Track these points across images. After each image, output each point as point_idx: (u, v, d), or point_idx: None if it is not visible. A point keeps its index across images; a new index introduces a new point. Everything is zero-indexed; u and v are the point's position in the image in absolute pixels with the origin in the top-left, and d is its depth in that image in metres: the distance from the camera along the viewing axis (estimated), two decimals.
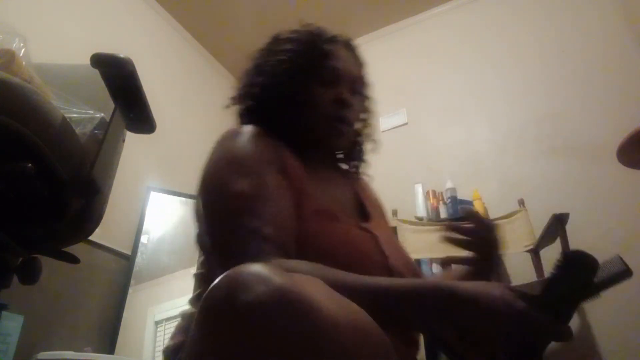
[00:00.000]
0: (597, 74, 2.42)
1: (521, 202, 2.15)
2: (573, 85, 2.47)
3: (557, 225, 1.81)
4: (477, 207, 2.37)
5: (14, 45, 1.09)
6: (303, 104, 0.81)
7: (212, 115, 3.29)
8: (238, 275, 0.37)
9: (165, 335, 2.14)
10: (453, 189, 2.42)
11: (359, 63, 0.90)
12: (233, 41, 3.24)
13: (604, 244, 2.06)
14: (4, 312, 1.23)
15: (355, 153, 0.96)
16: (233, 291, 0.36)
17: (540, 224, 1.93)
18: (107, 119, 1.09)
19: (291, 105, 0.81)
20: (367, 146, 0.97)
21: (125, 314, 2.07)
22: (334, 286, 0.45)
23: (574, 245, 1.76)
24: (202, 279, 0.81)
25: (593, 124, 2.33)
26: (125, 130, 1.19)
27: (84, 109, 1.10)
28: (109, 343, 1.98)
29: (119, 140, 1.17)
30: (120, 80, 1.08)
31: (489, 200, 2.39)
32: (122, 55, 1.05)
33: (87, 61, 1.03)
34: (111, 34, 2.44)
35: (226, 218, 0.64)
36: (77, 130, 1.03)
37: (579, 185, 2.25)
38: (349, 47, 0.89)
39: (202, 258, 0.83)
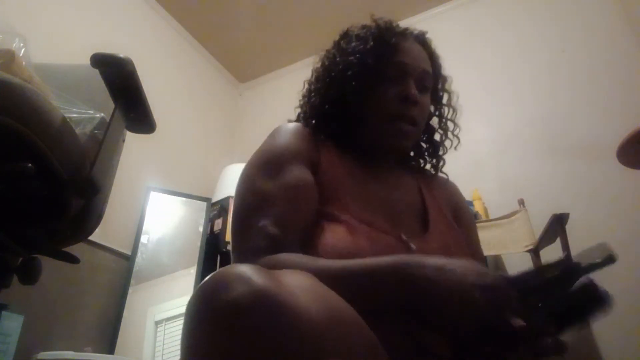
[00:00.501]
0: (597, 74, 2.42)
1: (521, 202, 2.14)
2: (573, 86, 2.47)
3: (557, 225, 1.81)
4: (477, 207, 2.37)
5: (14, 45, 1.09)
6: (366, 102, 0.78)
7: (212, 115, 3.29)
8: (222, 274, 0.39)
9: (165, 335, 2.14)
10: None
11: (431, 57, 0.85)
12: (233, 41, 3.24)
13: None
14: (4, 312, 1.23)
15: (427, 151, 0.91)
16: (215, 290, 0.38)
17: (540, 224, 1.92)
18: (107, 119, 1.09)
19: (355, 105, 0.79)
20: (444, 143, 0.91)
21: (125, 314, 2.07)
22: (316, 275, 0.47)
23: (574, 245, 1.76)
24: None
25: (593, 124, 2.33)
26: (125, 130, 1.19)
27: (84, 109, 1.10)
28: (109, 343, 1.98)
29: (119, 140, 1.17)
30: (120, 80, 1.08)
31: (489, 200, 2.39)
32: (122, 55, 1.05)
33: (87, 61, 1.03)
34: (111, 34, 2.44)
35: (240, 215, 0.68)
36: (77, 130, 1.03)
37: (579, 185, 2.25)
38: (421, 40, 0.85)
39: None
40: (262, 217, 0.65)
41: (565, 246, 1.75)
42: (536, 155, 2.43)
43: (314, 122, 0.83)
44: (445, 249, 0.72)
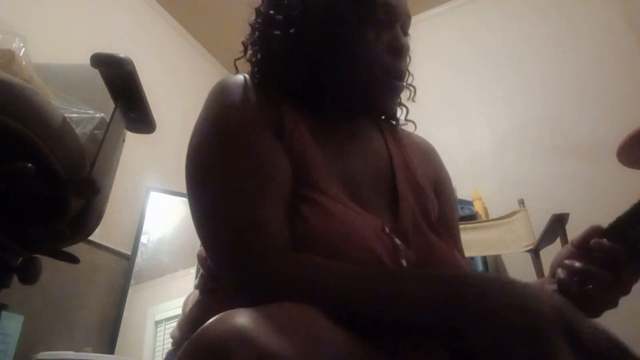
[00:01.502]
0: (597, 74, 2.42)
1: (521, 202, 2.14)
2: (573, 85, 2.47)
3: (557, 225, 1.80)
4: (477, 207, 2.37)
5: (14, 45, 1.09)
6: (349, 51, 0.61)
7: None
8: (221, 334, 0.34)
9: (165, 335, 2.14)
10: (453, 189, 2.41)
11: None
12: (233, 41, 3.23)
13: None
14: (4, 312, 1.23)
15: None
16: (217, 355, 0.33)
17: (540, 224, 1.92)
18: (107, 119, 1.09)
19: (332, 53, 0.61)
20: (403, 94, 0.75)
21: (125, 314, 2.07)
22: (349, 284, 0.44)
23: None
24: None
25: (593, 124, 2.33)
26: (125, 130, 1.19)
27: (84, 109, 1.10)
28: (109, 343, 1.98)
29: (119, 140, 1.17)
30: (120, 80, 1.08)
31: (489, 200, 2.39)
32: (122, 55, 1.05)
33: (87, 61, 1.03)
34: (111, 34, 2.44)
35: (211, 210, 0.55)
36: (77, 130, 1.03)
37: (579, 185, 2.25)
38: None
39: None
40: (240, 205, 0.53)
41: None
42: (536, 155, 2.43)
43: (272, 73, 0.65)
44: (423, 244, 0.61)
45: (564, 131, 2.41)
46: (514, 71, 2.68)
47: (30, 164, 0.85)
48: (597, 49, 2.47)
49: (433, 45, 3.00)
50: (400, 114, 0.78)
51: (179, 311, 2.16)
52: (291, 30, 0.62)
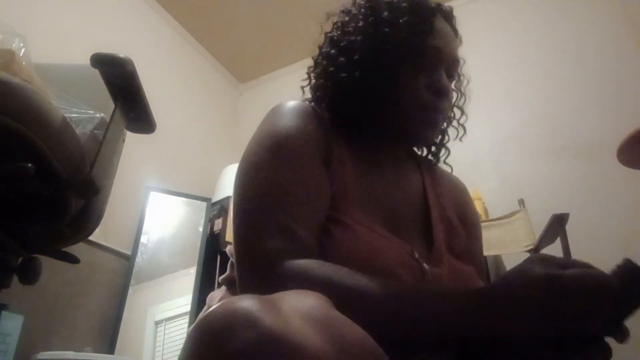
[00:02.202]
0: (597, 74, 2.42)
1: (521, 202, 2.14)
2: (573, 85, 2.46)
3: (557, 225, 1.80)
4: (477, 207, 2.37)
5: (14, 45, 1.09)
6: (392, 86, 0.68)
7: (213, 115, 3.29)
8: (226, 315, 0.36)
9: (165, 335, 2.14)
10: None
11: (456, 39, 0.77)
12: (233, 41, 3.24)
13: (604, 244, 2.06)
14: (4, 312, 1.23)
15: (437, 142, 0.84)
16: (221, 335, 0.35)
17: (540, 224, 1.92)
18: (107, 119, 1.09)
19: (380, 87, 0.68)
20: (447, 131, 0.84)
21: (125, 314, 2.07)
22: (349, 296, 0.46)
23: (574, 245, 1.76)
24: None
25: (593, 124, 2.33)
26: (125, 130, 1.19)
27: (84, 109, 1.10)
28: (109, 343, 1.98)
29: (119, 140, 1.17)
30: (120, 80, 1.08)
31: (489, 200, 2.39)
32: (122, 55, 1.05)
33: (87, 61, 1.03)
34: (111, 34, 2.44)
35: (254, 206, 0.59)
36: (77, 130, 1.03)
37: (579, 185, 2.25)
38: (448, 18, 0.76)
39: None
40: (284, 214, 0.57)
41: (566, 246, 1.75)
42: (536, 155, 2.43)
43: (327, 103, 0.73)
44: (450, 270, 0.66)
45: (564, 131, 2.41)
46: (514, 71, 2.68)
47: (30, 164, 0.85)
48: (598, 49, 2.47)
49: None
50: (445, 154, 0.85)
51: (179, 311, 2.18)
52: (343, 74, 0.70)
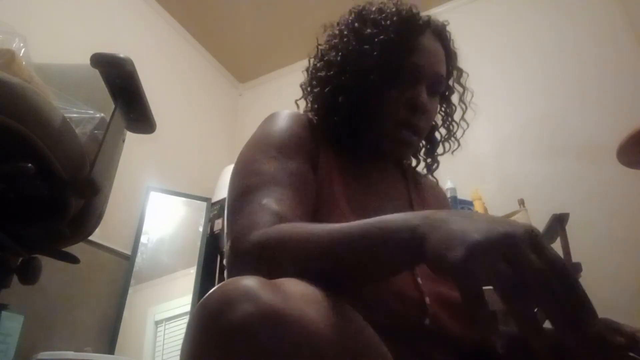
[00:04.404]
0: (597, 74, 2.42)
1: (521, 202, 2.14)
2: (573, 85, 2.47)
3: (557, 225, 1.80)
4: (477, 207, 2.37)
5: (14, 45, 1.09)
6: (372, 101, 0.71)
7: (213, 115, 3.29)
8: (226, 291, 0.37)
9: (165, 335, 2.14)
10: (453, 189, 2.41)
11: (448, 55, 0.79)
12: (233, 41, 3.24)
13: (604, 244, 2.06)
14: (4, 312, 1.23)
15: (424, 148, 0.86)
16: (219, 309, 0.36)
17: (540, 224, 1.92)
18: (107, 119, 1.09)
19: (362, 101, 0.71)
20: (443, 144, 0.86)
21: (125, 314, 2.07)
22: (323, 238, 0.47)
23: (574, 245, 1.76)
24: None
25: (593, 124, 2.33)
26: (125, 130, 1.19)
27: (84, 109, 1.10)
28: (109, 343, 1.98)
29: (119, 140, 1.17)
30: (120, 80, 1.08)
31: (489, 200, 2.38)
32: (122, 55, 1.05)
33: (87, 61, 1.03)
34: (111, 34, 2.44)
35: (239, 194, 0.62)
36: (77, 130, 1.04)
37: (579, 185, 2.25)
38: (440, 35, 0.78)
39: None
40: (266, 196, 0.59)
41: (566, 246, 1.75)
42: (536, 155, 2.43)
43: (317, 112, 0.77)
44: None
45: (564, 131, 2.41)
46: (514, 71, 2.68)
47: (30, 164, 0.86)
48: (598, 49, 2.47)
49: None
50: (435, 166, 0.87)
51: (179, 311, 2.17)
52: (327, 88, 0.74)
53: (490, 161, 2.54)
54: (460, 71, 0.84)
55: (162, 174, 2.57)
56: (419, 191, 0.83)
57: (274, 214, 0.56)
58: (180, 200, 2.54)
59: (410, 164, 0.88)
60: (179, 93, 2.95)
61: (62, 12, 2.21)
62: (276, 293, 0.37)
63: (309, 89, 0.80)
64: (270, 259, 0.51)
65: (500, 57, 2.75)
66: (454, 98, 0.88)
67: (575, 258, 1.71)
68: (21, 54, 1.08)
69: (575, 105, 2.42)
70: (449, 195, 2.42)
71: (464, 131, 0.88)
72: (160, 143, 2.39)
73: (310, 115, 0.78)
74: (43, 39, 1.82)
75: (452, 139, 0.87)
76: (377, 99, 0.71)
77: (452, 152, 0.87)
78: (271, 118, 0.73)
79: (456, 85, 0.86)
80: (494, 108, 2.67)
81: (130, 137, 1.24)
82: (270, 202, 0.58)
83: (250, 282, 0.38)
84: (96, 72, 1.05)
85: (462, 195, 2.40)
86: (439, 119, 0.85)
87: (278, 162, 0.64)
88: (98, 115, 1.12)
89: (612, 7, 2.50)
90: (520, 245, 0.35)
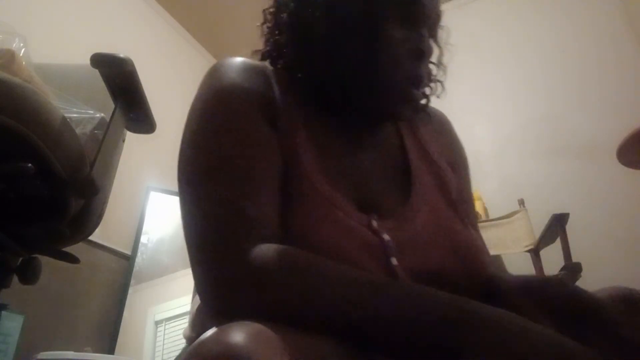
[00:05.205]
0: (597, 74, 2.42)
1: (521, 202, 2.15)
2: (573, 85, 2.47)
3: (557, 225, 1.81)
4: (477, 207, 2.37)
5: (14, 45, 1.09)
6: (373, 50, 0.55)
7: None
8: (221, 354, 0.33)
9: (165, 335, 2.14)
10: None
11: None
12: (233, 41, 3.24)
13: (604, 244, 2.06)
14: (4, 312, 1.23)
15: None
16: None
17: (540, 224, 1.92)
18: (107, 119, 1.09)
19: (356, 50, 0.55)
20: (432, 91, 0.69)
21: (125, 314, 2.07)
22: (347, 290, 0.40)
23: (574, 245, 1.76)
24: None
25: (593, 124, 2.33)
26: (125, 130, 1.19)
27: (84, 109, 1.10)
28: (109, 343, 1.98)
29: (119, 140, 1.17)
30: (120, 80, 1.08)
31: (489, 200, 2.39)
32: (122, 55, 1.05)
33: (87, 61, 1.03)
34: (111, 34, 2.44)
35: (198, 184, 0.51)
36: (77, 130, 1.03)
37: (579, 185, 2.25)
38: None
39: None
40: (227, 188, 0.48)
41: (565, 246, 1.75)
42: (536, 155, 2.44)
43: (284, 61, 0.63)
44: (426, 225, 0.56)
45: (564, 131, 2.41)
46: (514, 71, 2.68)
47: (30, 164, 0.85)
48: (598, 49, 2.47)
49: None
50: (425, 104, 0.70)
51: (179, 311, 2.17)
52: (307, 25, 0.57)
53: (490, 161, 2.54)
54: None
55: (162, 174, 2.57)
56: (414, 131, 0.68)
57: (250, 218, 0.47)
58: None
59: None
60: (179, 93, 2.95)
61: (62, 12, 2.21)
62: (273, 353, 0.33)
63: (272, 28, 0.66)
64: (282, 287, 0.42)
65: (500, 57, 2.75)
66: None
67: (575, 258, 1.71)
68: (21, 54, 1.07)
69: (575, 105, 2.42)
70: None
71: (445, 75, 0.70)
72: (160, 143, 2.38)
73: (267, 64, 0.64)
74: (43, 39, 1.81)
75: (438, 82, 0.69)
76: (378, 39, 0.55)
77: (438, 96, 0.69)
78: (216, 71, 0.60)
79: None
80: (494, 108, 2.67)
81: (130, 137, 1.24)
82: (239, 197, 0.48)
83: (242, 340, 0.33)
84: (96, 72, 1.05)
85: None
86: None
87: (231, 133, 0.52)
88: (98, 115, 1.12)
89: (612, 7, 2.50)
90: None
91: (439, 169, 0.65)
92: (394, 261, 0.50)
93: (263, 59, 0.66)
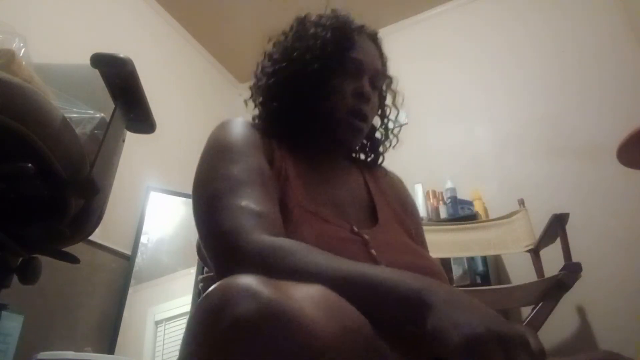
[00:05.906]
0: (597, 74, 2.42)
1: (521, 202, 2.15)
2: (573, 85, 2.47)
3: (557, 225, 1.81)
4: (477, 207, 2.37)
5: (14, 45, 1.09)
6: (322, 94, 0.77)
7: (212, 115, 3.29)
8: (226, 288, 0.37)
9: (165, 335, 2.14)
10: (453, 189, 2.42)
11: (382, 57, 0.87)
12: (233, 41, 3.24)
13: (604, 244, 2.06)
14: (4, 312, 1.23)
15: (367, 147, 0.93)
16: (222, 304, 0.36)
17: (540, 224, 1.92)
18: (107, 119, 1.09)
19: (313, 95, 0.77)
20: (386, 141, 0.93)
21: (125, 314, 2.07)
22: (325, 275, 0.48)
23: (574, 245, 1.76)
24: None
25: (593, 124, 2.33)
26: (125, 130, 1.19)
27: (84, 109, 1.10)
28: (109, 343, 1.98)
29: (119, 140, 1.17)
30: (120, 80, 1.08)
31: (489, 200, 2.39)
32: (122, 55, 1.05)
33: (87, 61, 1.03)
34: (111, 34, 2.44)
35: (215, 200, 0.62)
36: (77, 130, 1.03)
37: (579, 185, 2.25)
38: (374, 39, 0.86)
39: None
40: (242, 198, 0.61)
41: (566, 246, 1.75)
42: (536, 155, 2.44)
43: (265, 115, 0.82)
44: (396, 241, 0.72)
45: (565, 131, 2.41)
46: (514, 71, 2.68)
47: (30, 164, 0.85)
48: (598, 49, 2.47)
49: (435, 45, 3.00)
50: (381, 160, 0.93)
51: (179, 311, 2.17)
52: (272, 80, 0.80)
53: (490, 161, 2.54)
54: (391, 78, 0.92)
55: (162, 174, 2.57)
56: (375, 179, 0.88)
57: (257, 215, 0.59)
58: (180, 200, 2.54)
59: (358, 156, 0.94)
60: (179, 93, 2.95)
61: (62, 12, 2.21)
62: (277, 291, 0.37)
63: (257, 92, 0.85)
64: (269, 267, 0.51)
65: (500, 57, 2.75)
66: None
67: (575, 258, 1.71)
68: (21, 54, 1.07)
69: (575, 105, 2.43)
70: (448, 195, 2.42)
71: (400, 129, 0.95)
72: (160, 143, 2.39)
73: (257, 122, 0.83)
74: (43, 39, 1.82)
75: (392, 136, 0.93)
76: (326, 91, 0.77)
77: (394, 147, 0.93)
78: (222, 126, 0.77)
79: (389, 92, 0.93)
80: (494, 108, 2.67)
81: (130, 137, 1.24)
82: (249, 203, 0.60)
83: (251, 279, 0.38)
84: (96, 72, 1.05)
85: (462, 195, 2.41)
86: (377, 120, 0.91)
87: (240, 164, 0.67)
88: (98, 115, 1.12)
89: (612, 7, 2.50)
90: (517, 347, 0.37)
91: (395, 209, 0.83)
92: (374, 252, 0.64)
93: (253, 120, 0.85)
